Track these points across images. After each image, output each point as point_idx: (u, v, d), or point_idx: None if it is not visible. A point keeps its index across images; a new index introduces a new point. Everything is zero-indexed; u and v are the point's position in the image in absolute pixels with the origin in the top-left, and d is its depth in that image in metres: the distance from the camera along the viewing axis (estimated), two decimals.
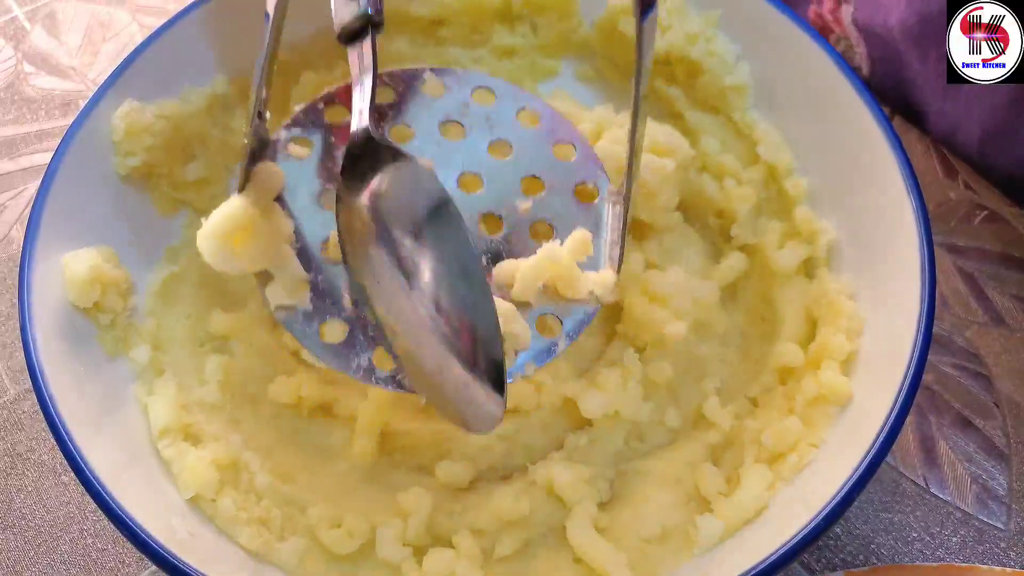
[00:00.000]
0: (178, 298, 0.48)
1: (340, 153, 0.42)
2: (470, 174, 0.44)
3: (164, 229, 0.49)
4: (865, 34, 0.61)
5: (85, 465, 0.38)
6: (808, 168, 0.49)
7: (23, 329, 0.40)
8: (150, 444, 0.42)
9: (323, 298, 0.41)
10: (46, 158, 0.44)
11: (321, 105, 0.44)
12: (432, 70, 0.46)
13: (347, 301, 0.41)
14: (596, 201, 0.44)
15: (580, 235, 0.42)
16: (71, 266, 0.43)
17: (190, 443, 0.43)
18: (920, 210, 0.43)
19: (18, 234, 0.58)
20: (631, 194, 0.42)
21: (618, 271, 0.42)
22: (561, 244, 0.41)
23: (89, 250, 0.44)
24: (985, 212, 0.59)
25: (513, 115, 0.46)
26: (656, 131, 0.49)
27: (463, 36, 0.55)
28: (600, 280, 0.41)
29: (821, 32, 0.61)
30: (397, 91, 0.45)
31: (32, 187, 0.63)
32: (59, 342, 0.41)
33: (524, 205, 0.43)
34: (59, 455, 0.38)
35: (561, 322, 0.41)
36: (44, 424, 0.39)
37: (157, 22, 0.49)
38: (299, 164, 0.43)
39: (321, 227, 0.42)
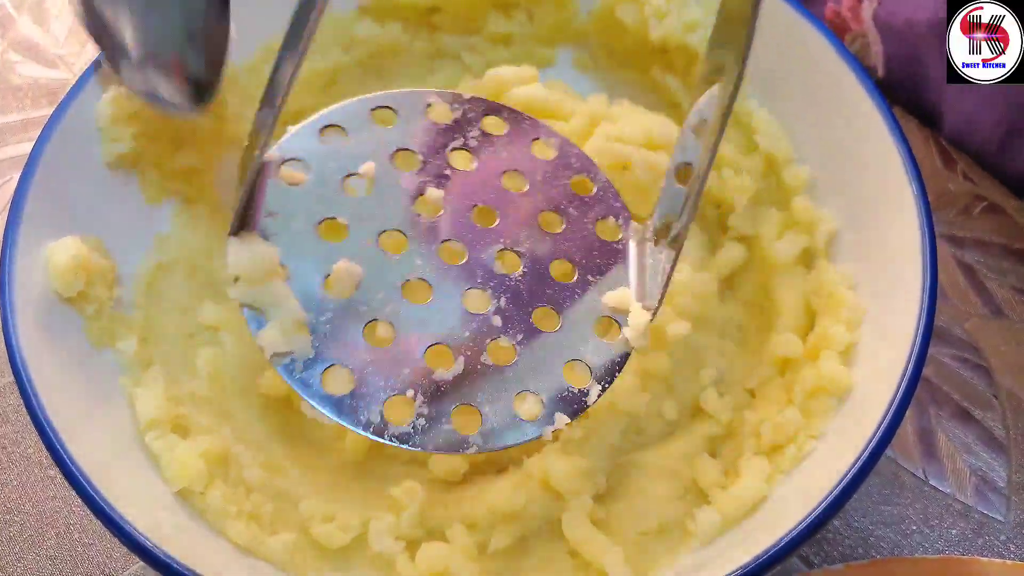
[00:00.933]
0: (167, 288, 0.47)
1: (339, 180, 0.40)
2: (484, 206, 0.41)
3: (152, 217, 0.48)
4: (884, 31, 0.61)
5: (69, 459, 0.37)
6: (807, 157, 0.49)
7: (5, 320, 0.39)
8: (136, 437, 0.41)
9: (326, 342, 0.37)
10: (31, 147, 0.43)
11: (319, 126, 0.41)
12: (437, 93, 0.43)
13: (354, 342, 0.37)
14: (619, 237, 0.42)
15: (621, 294, 0.40)
16: (55, 254, 0.42)
17: (179, 435, 0.42)
18: (921, 199, 0.42)
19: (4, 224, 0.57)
20: (686, 233, 0.39)
21: (654, 316, 0.39)
22: (579, 283, 0.40)
23: (74, 238, 0.42)
24: (984, 203, 0.59)
25: (527, 144, 0.43)
26: (650, 122, 0.48)
27: (458, 23, 0.55)
28: (633, 323, 0.39)
29: (837, 30, 0.61)
30: (400, 115, 0.43)
31: (18, 177, 0.62)
32: (42, 333, 0.40)
33: (543, 242, 0.41)
34: (44, 449, 0.38)
35: (590, 369, 0.38)
36: (28, 418, 0.38)
37: None
38: (295, 191, 0.40)
39: (322, 260, 0.38)
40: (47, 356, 0.40)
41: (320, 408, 0.36)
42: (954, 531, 0.48)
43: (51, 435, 0.37)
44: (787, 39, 0.48)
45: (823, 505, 0.36)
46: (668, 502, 0.42)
